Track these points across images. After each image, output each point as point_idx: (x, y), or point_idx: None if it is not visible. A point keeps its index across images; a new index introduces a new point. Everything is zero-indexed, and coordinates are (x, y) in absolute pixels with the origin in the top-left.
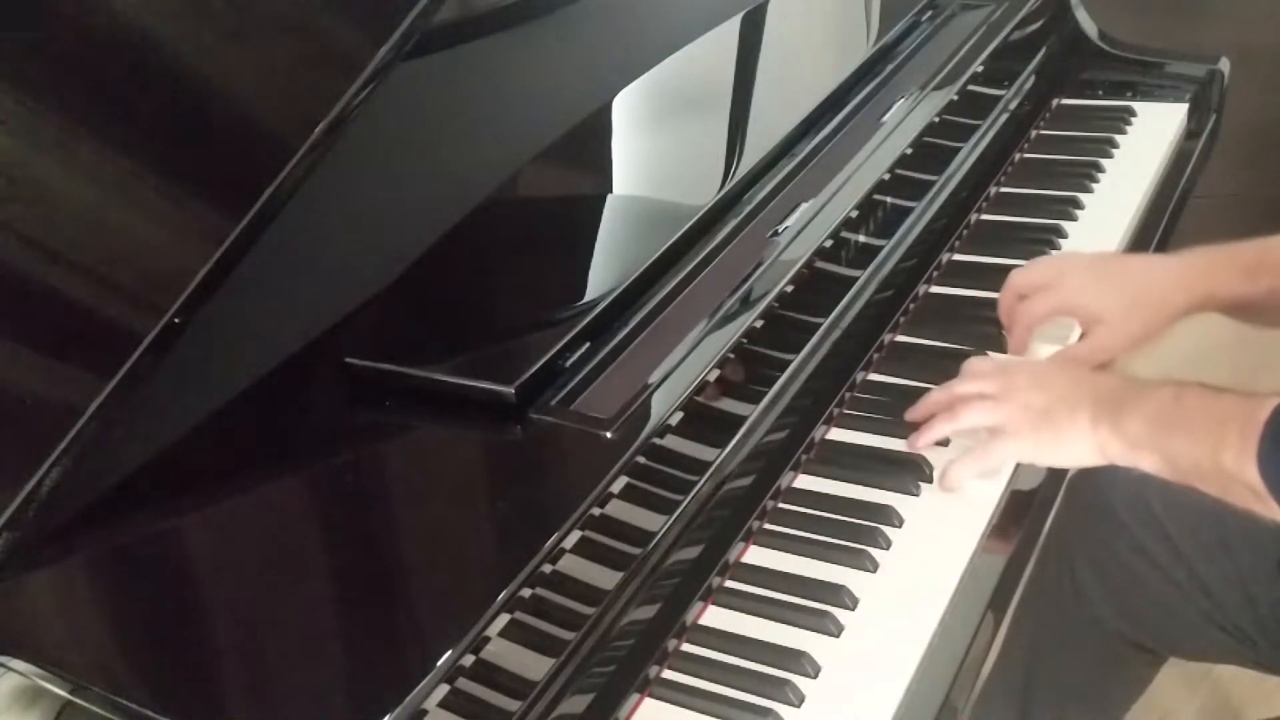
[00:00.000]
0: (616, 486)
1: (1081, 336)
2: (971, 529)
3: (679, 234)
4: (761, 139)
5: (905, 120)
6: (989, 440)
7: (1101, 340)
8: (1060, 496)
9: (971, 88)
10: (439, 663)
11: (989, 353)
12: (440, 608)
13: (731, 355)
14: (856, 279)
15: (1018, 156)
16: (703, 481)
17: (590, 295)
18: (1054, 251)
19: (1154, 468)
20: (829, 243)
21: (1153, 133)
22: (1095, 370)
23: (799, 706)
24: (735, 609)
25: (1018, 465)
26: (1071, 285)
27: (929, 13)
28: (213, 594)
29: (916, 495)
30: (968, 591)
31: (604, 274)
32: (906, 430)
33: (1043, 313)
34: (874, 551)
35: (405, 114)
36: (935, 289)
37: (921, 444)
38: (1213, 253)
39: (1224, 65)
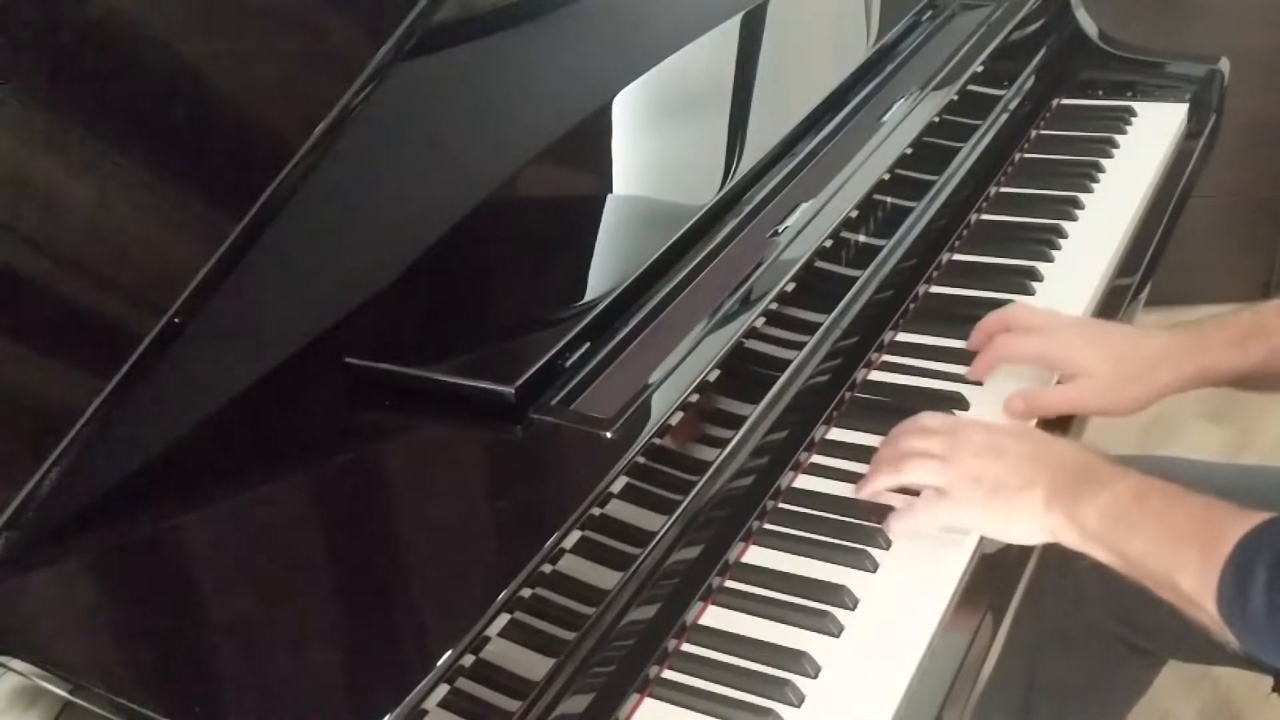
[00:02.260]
0: (616, 486)
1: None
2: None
3: (679, 234)
4: (761, 139)
5: (905, 120)
6: (935, 499)
7: (1079, 392)
8: None
9: (971, 88)
10: (439, 663)
11: (955, 411)
12: (440, 608)
13: (731, 355)
14: (856, 279)
15: (1018, 156)
16: (702, 481)
17: (590, 295)
18: (1054, 252)
19: (1108, 562)
20: (829, 243)
21: (1153, 133)
22: (1053, 436)
23: (799, 706)
24: (735, 609)
25: None
26: (1063, 337)
27: (929, 13)
28: (213, 594)
29: (916, 495)
30: (969, 592)
31: (604, 274)
32: None
33: (1025, 354)
34: (874, 551)
35: (405, 114)
36: (935, 289)
37: (864, 494)
38: (1203, 327)
39: (1224, 65)
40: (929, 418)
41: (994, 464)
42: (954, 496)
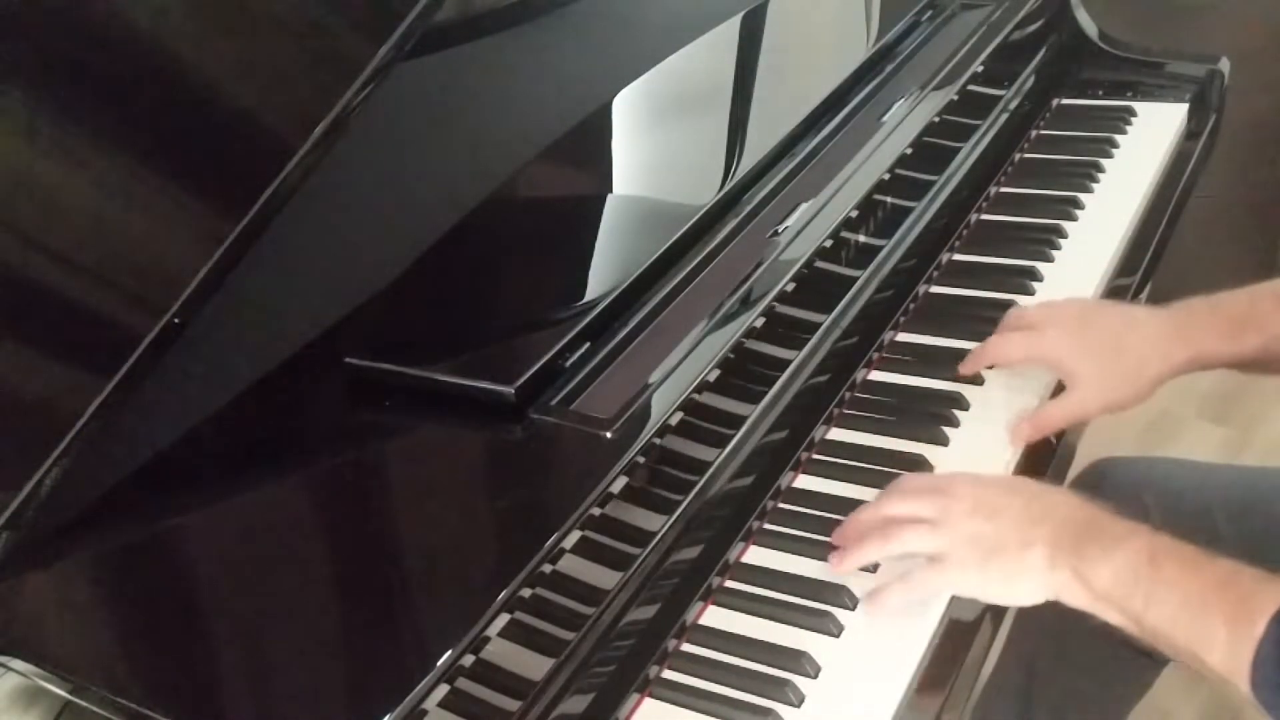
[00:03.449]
0: (616, 486)
1: (1059, 389)
2: None
3: (679, 234)
4: (761, 139)
5: (905, 120)
6: (927, 567)
7: (1078, 404)
8: None
9: (971, 88)
10: (439, 663)
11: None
12: (440, 608)
13: (731, 355)
14: (856, 279)
15: (1018, 156)
16: (703, 481)
17: (590, 295)
18: (1054, 252)
19: (1119, 624)
20: (829, 243)
21: (1153, 133)
22: (1047, 487)
23: (799, 706)
24: (735, 609)
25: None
26: (1050, 336)
27: (929, 13)
28: (213, 594)
29: None
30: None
31: (604, 274)
32: (905, 428)
33: (1015, 356)
34: None
35: (405, 114)
36: (935, 289)
37: (846, 568)
38: (1196, 310)
39: (1224, 65)
40: (912, 479)
41: (989, 524)
42: (951, 561)
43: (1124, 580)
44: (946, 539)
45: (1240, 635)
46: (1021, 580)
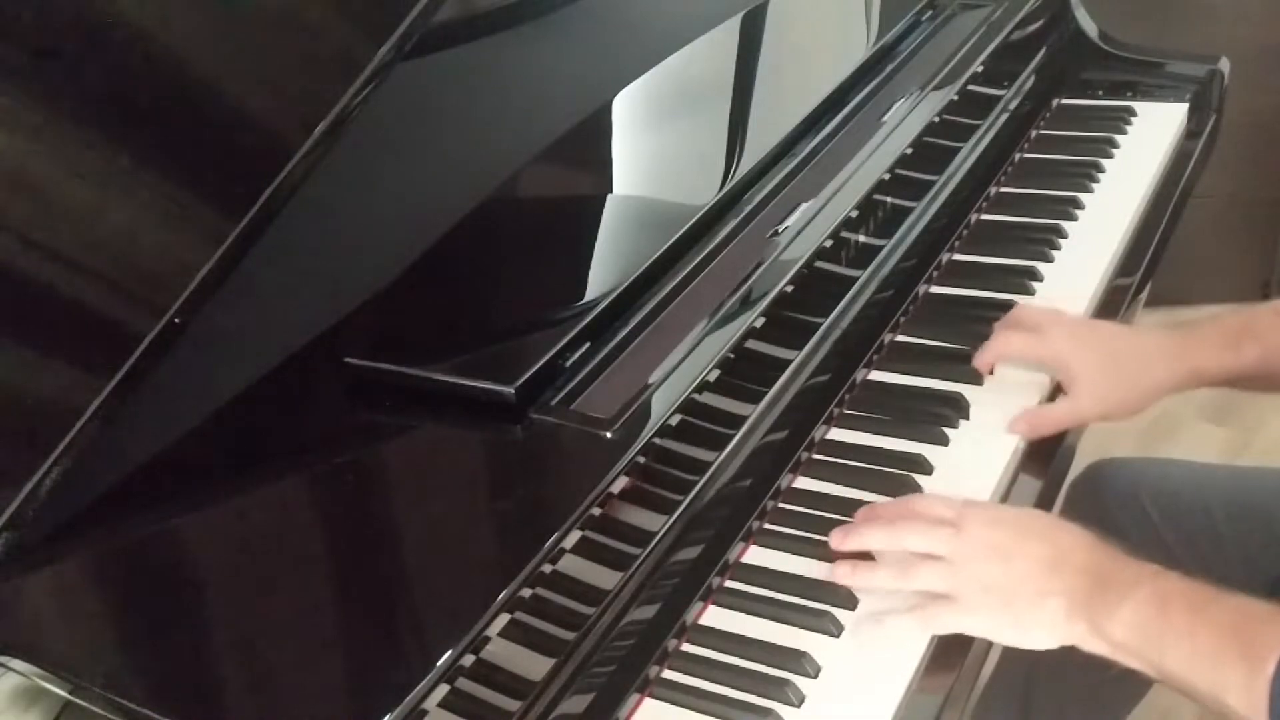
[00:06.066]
0: (616, 486)
1: (1058, 392)
2: None
3: (679, 234)
4: (761, 139)
5: (905, 120)
6: (940, 604)
7: (1077, 407)
8: (1059, 501)
9: (971, 88)
10: (439, 663)
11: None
12: (440, 608)
13: (731, 355)
14: (856, 279)
15: (1018, 156)
16: (703, 481)
17: (590, 295)
18: (1054, 252)
19: (1145, 672)
20: (829, 243)
21: (1153, 133)
22: (1061, 524)
23: (799, 706)
24: (735, 609)
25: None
26: (1053, 335)
27: (929, 13)
28: (212, 594)
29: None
30: None
31: (604, 274)
32: (905, 428)
33: (1019, 352)
34: None
35: (405, 114)
36: (935, 289)
37: (856, 583)
38: (1195, 326)
39: (1224, 65)
40: (924, 503)
41: (1004, 571)
42: (964, 604)
43: (1137, 631)
44: (959, 582)
45: (1255, 675)
46: (1037, 630)
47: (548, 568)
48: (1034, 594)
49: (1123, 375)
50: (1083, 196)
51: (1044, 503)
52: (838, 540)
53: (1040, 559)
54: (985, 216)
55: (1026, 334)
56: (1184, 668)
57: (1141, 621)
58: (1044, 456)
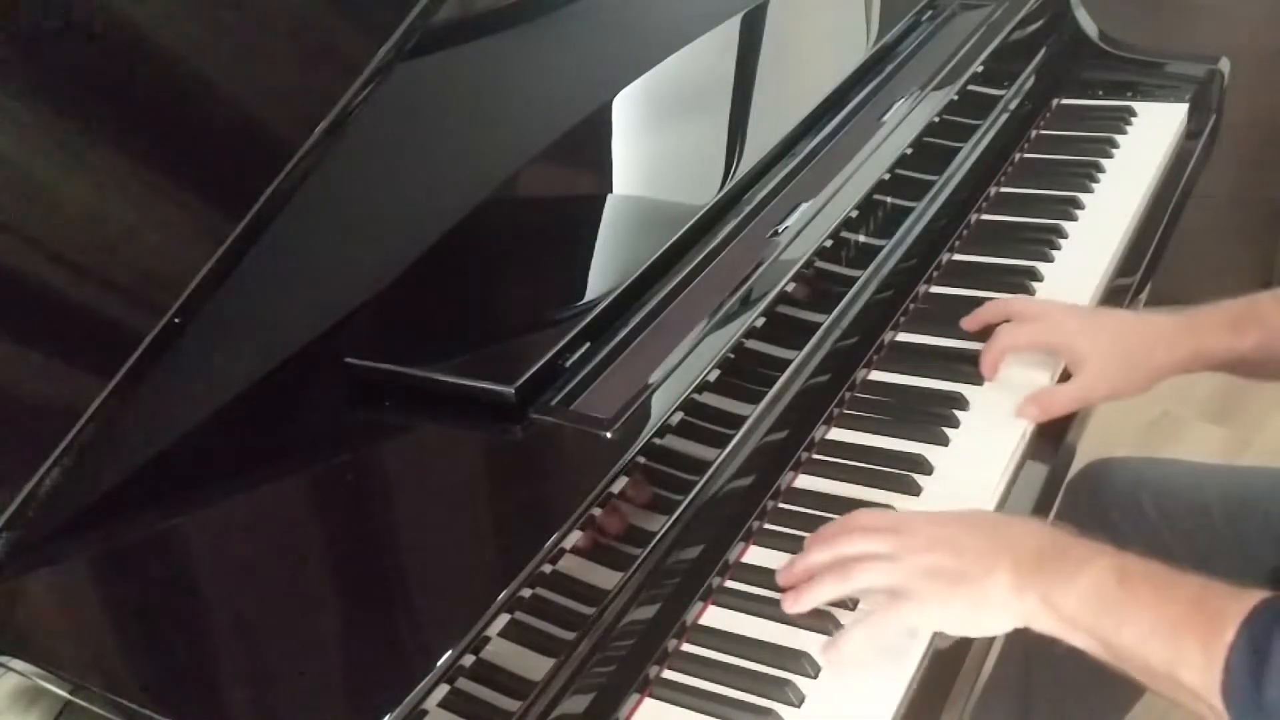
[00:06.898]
0: (616, 486)
1: (1064, 377)
2: None
3: (679, 234)
4: (762, 139)
5: (905, 120)
6: (889, 603)
7: (1085, 386)
8: (1058, 501)
9: (971, 88)
10: (439, 663)
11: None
12: (440, 608)
13: (731, 355)
14: (857, 279)
15: (1018, 156)
16: (703, 481)
17: (590, 295)
18: (1054, 252)
19: (1088, 649)
20: (829, 243)
21: (1153, 133)
22: (1007, 517)
23: (799, 706)
24: (735, 609)
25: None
26: (1057, 319)
27: (929, 13)
28: (212, 594)
29: (917, 496)
30: None
31: (604, 274)
32: (905, 428)
33: (1023, 341)
34: None
35: (405, 114)
36: (935, 289)
37: (801, 608)
38: (1200, 309)
39: (1224, 65)
40: (865, 515)
41: (949, 556)
42: (912, 596)
43: (1092, 602)
44: (904, 573)
45: (1213, 648)
46: (987, 610)
47: (548, 567)
48: (981, 573)
49: (1129, 355)
50: (1083, 196)
51: (1044, 501)
52: (785, 579)
53: (986, 543)
54: (985, 216)
55: (1031, 323)
56: (1139, 641)
57: (1100, 592)
58: (1044, 455)
